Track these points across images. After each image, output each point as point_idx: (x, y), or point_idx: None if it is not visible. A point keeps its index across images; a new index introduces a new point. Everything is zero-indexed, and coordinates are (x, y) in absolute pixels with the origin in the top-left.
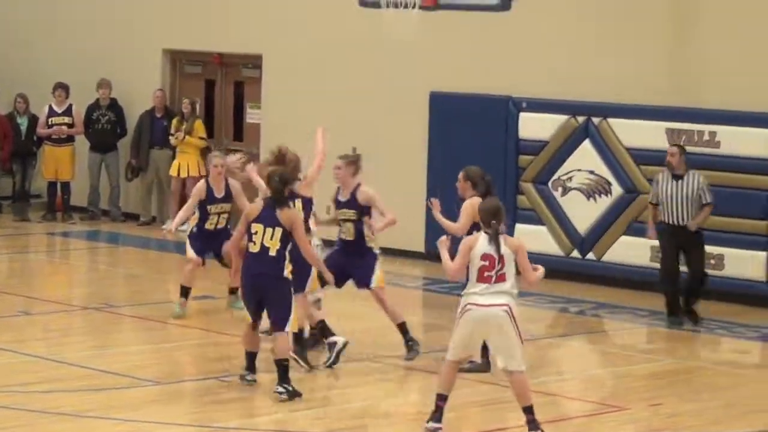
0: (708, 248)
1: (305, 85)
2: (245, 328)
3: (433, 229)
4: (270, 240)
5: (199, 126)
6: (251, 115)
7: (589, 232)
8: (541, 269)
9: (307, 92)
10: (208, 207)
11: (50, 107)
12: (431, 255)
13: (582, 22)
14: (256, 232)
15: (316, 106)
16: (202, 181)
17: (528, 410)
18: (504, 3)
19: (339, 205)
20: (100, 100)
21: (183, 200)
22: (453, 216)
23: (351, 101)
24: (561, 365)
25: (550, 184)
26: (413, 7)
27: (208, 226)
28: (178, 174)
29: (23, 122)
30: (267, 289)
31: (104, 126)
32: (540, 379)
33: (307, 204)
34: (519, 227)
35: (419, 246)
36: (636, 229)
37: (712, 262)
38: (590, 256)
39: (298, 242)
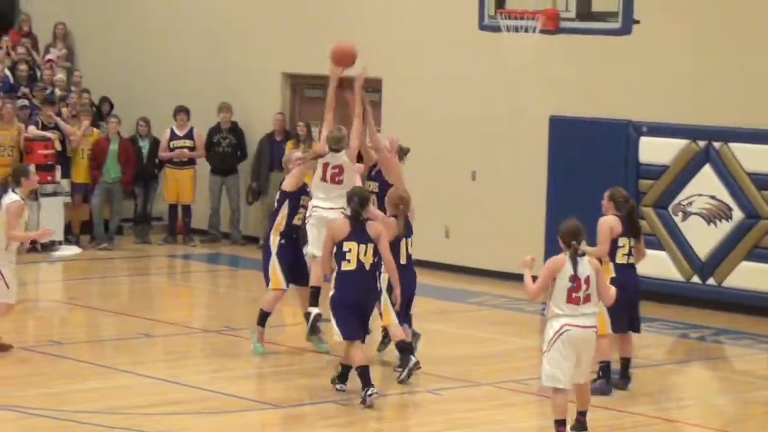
0: None
1: (425, 109)
2: (349, 346)
3: (552, 252)
4: (364, 256)
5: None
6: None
7: (710, 258)
8: (613, 289)
9: (427, 116)
10: (303, 198)
11: (172, 130)
12: None
13: (702, 45)
14: (349, 250)
15: (436, 130)
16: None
17: (584, 413)
18: (625, 27)
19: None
20: (221, 124)
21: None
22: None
23: (471, 125)
24: (682, 392)
25: (670, 208)
26: (533, 30)
27: (296, 221)
28: None
29: (145, 145)
30: (371, 303)
31: (225, 149)
32: (661, 405)
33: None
34: None
35: (538, 270)
36: (757, 255)
37: None
38: (711, 281)
39: (382, 254)
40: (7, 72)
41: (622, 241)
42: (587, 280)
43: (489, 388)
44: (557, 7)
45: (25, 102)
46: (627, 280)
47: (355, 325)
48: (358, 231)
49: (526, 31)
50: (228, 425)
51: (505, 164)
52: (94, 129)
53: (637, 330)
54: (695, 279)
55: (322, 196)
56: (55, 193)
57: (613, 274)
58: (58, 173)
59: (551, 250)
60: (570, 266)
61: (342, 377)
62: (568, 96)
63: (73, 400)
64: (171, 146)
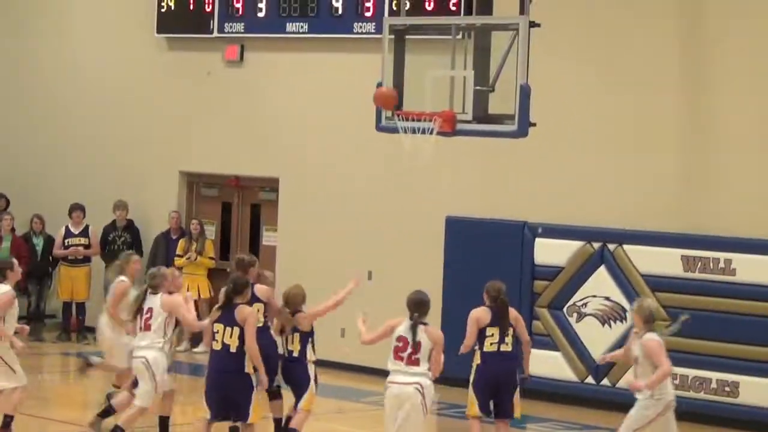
0: (724, 375)
1: (322, 209)
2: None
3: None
4: (230, 338)
5: (209, 246)
6: (268, 238)
7: None
8: (440, 365)
9: (324, 215)
10: None
11: (67, 228)
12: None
13: (598, 148)
14: (217, 331)
15: (333, 229)
16: None
17: None
18: (521, 129)
19: None
20: (117, 221)
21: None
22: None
23: (367, 224)
24: None
25: (565, 309)
26: (430, 132)
27: None
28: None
29: (39, 243)
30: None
31: (120, 247)
32: None
33: (305, 337)
34: (534, 352)
35: None
36: None
37: (727, 389)
38: (605, 381)
39: (246, 338)
40: None
41: (490, 331)
42: (417, 345)
43: None
44: (454, 109)
45: None
46: (495, 367)
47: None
48: (227, 313)
49: (423, 132)
50: None
51: (401, 264)
52: None
53: (509, 416)
54: (589, 379)
55: None
56: None
57: (478, 361)
58: None
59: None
60: (404, 328)
61: None
62: (464, 196)
63: None
64: (66, 244)
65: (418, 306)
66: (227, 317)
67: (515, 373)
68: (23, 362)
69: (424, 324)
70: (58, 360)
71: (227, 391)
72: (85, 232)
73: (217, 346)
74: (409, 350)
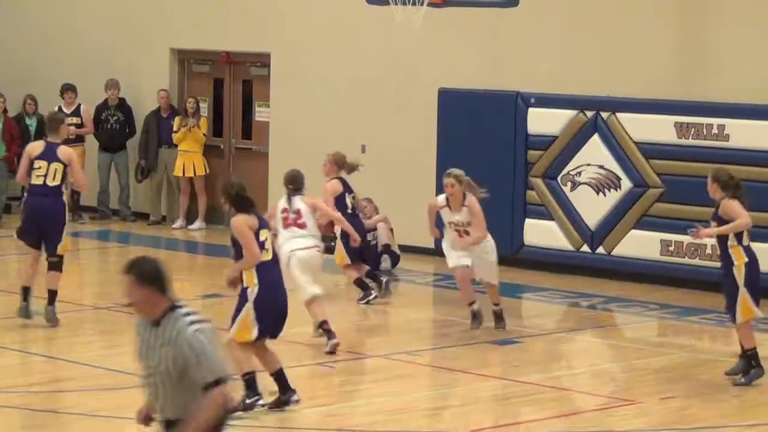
0: None
1: (313, 83)
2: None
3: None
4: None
5: (204, 123)
6: (260, 114)
7: (599, 227)
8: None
9: (316, 90)
10: None
11: (59, 108)
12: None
13: (589, 16)
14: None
15: (326, 103)
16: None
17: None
18: None
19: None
20: (109, 101)
21: (193, 198)
22: None
23: (359, 99)
24: (572, 359)
25: (559, 179)
26: (421, 3)
27: None
28: (183, 173)
29: (32, 123)
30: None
31: (113, 126)
32: (552, 373)
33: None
34: (528, 222)
35: (429, 242)
36: (646, 223)
37: None
38: (600, 250)
39: None
40: None
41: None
42: (297, 212)
43: (380, 360)
44: None
45: None
46: None
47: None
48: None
49: (414, 4)
50: (119, 402)
51: (394, 137)
52: None
53: None
54: (585, 248)
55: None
56: None
57: None
58: None
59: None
60: (283, 201)
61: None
62: (456, 68)
63: None
64: None
65: (291, 180)
66: None
67: None
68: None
69: (300, 194)
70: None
71: None
72: (77, 112)
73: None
74: (293, 216)
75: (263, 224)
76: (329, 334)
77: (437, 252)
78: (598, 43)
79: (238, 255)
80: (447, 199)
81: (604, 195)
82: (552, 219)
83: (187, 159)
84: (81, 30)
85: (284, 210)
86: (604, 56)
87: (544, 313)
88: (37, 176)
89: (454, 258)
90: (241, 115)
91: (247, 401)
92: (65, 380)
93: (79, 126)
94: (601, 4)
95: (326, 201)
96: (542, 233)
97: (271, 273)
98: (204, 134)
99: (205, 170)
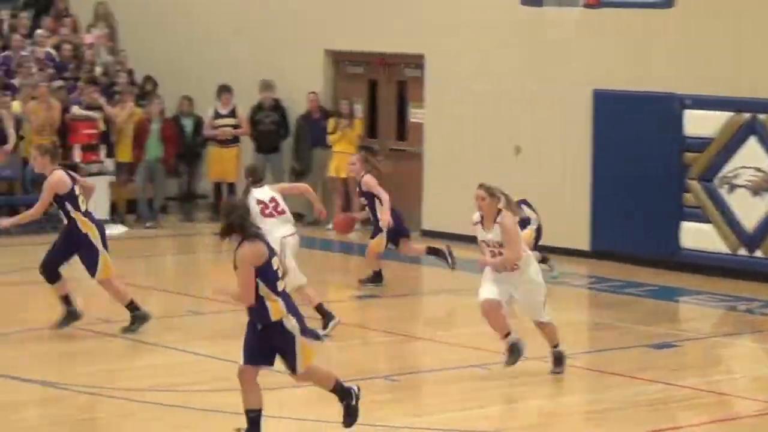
0: None
1: (468, 85)
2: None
3: (599, 227)
4: None
5: (358, 124)
6: (414, 115)
7: (756, 230)
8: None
9: (470, 91)
10: None
11: (215, 109)
12: (596, 253)
13: (744, 18)
14: None
15: (479, 105)
16: None
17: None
18: (667, 0)
19: None
20: (263, 102)
21: (347, 199)
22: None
23: (513, 100)
24: (730, 364)
25: (715, 181)
26: (575, 4)
27: None
28: (337, 174)
29: (188, 124)
30: None
31: (268, 127)
32: (709, 378)
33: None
34: (685, 225)
35: (584, 244)
36: None
37: None
38: (758, 253)
39: None
40: (53, 52)
41: None
42: (273, 199)
43: (535, 363)
44: None
45: (61, 83)
46: None
47: None
48: None
49: (568, 5)
50: (277, 401)
51: (548, 138)
52: (137, 108)
53: None
54: (742, 251)
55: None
56: (100, 173)
57: None
58: (102, 153)
59: (597, 224)
60: (259, 192)
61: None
62: (611, 70)
63: (122, 377)
64: (215, 125)
65: (250, 173)
66: None
67: None
68: (176, 242)
69: (261, 185)
70: (209, 240)
71: None
72: (233, 113)
73: None
74: (272, 205)
75: (272, 252)
76: (329, 315)
77: (592, 255)
78: (755, 44)
79: None
80: (481, 216)
81: (761, 197)
82: (709, 222)
83: (342, 160)
84: (236, 32)
85: (259, 201)
86: (761, 57)
87: (701, 316)
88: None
89: (483, 290)
90: (395, 117)
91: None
92: (222, 379)
93: (235, 127)
94: (758, 4)
95: (377, 189)
96: (699, 236)
97: (289, 298)
98: (359, 135)
99: None
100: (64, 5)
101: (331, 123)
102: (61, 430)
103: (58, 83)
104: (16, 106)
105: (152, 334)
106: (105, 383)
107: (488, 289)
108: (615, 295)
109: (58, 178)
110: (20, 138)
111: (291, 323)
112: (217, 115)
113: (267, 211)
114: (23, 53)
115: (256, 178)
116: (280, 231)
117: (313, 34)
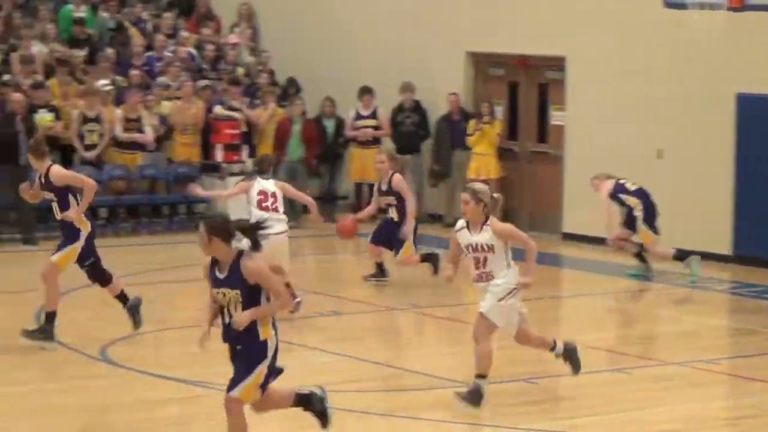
0: None
1: (609, 87)
2: None
3: (741, 232)
4: None
5: (498, 125)
6: (555, 117)
7: None
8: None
9: (612, 94)
10: None
11: (356, 110)
12: (739, 258)
13: None
14: None
15: (620, 107)
16: None
17: None
18: None
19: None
20: (404, 103)
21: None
22: None
23: (655, 103)
24: None
25: None
26: (720, 7)
27: None
28: (477, 175)
29: (330, 125)
30: None
31: (408, 128)
32: None
33: None
34: None
35: (726, 248)
36: None
37: None
38: None
39: None
40: (194, 51)
41: None
42: (274, 196)
43: (677, 368)
44: None
45: (206, 82)
46: None
47: None
48: None
49: (712, 8)
50: (415, 402)
51: (690, 141)
52: (278, 109)
53: None
54: None
55: None
56: (241, 173)
57: None
58: (244, 153)
59: (739, 228)
60: (259, 184)
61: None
62: (755, 73)
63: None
64: (356, 126)
65: (257, 162)
66: None
67: None
68: (317, 243)
69: (266, 177)
70: (350, 240)
71: None
72: (374, 115)
73: None
74: (271, 200)
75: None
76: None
77: (734, 259)
78: None
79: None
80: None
81: None
82: None
83: (482, 162)
84: (377, 33)
85: (261, 192)
86: None
87: None
88: None
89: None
90: (536, 119)
91: None
92: (361, 380)
93: (376, 128)
94: None
95: (406, 190)
96: None
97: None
98: (498, 134)
99: (500, 173)
100: (206, 6)
101: (471, 125)
102: (198, 428)
103: (203, 83)
104: (165, 106)
105: (292, 334)
106: None
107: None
108: (758, 300)
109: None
110: (164, 138)
111: (272, 347)
112: (359, 117)
113: (264, 204)
114: (165, 53)
115: (263, 168)
116: (272, 228)
117: (455, 36)
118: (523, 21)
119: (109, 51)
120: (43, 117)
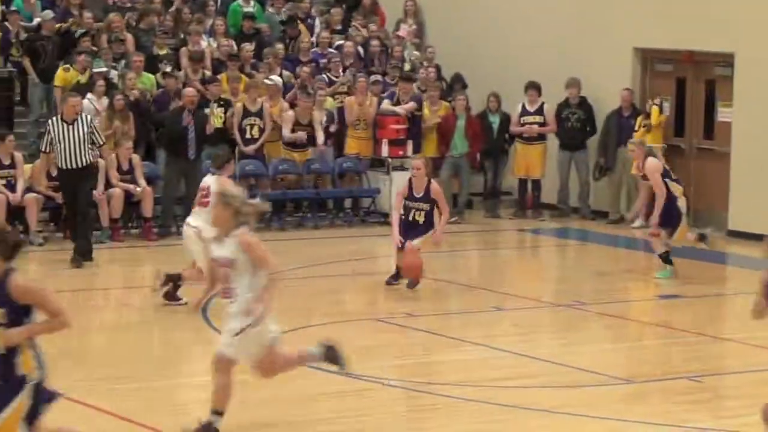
0: None
1: None
2: None
3: None
4: None
5: (662, 121)
6: (722, 114)
7: None
8: None
9: None
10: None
11: (523, 106)
12: None
13: None
14: None
15: None
16: None
17: None
18: None
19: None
20: (570, 99)
21: (650, 199)
22: None
23: None
24: None
25: None
26: None
27: None
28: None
29: (495, 121)
30: None
31: (574, 124)
32: None
33: None
34: None
35: None
36: None
37: None
38: None
39: None
40: (360, 48)
41: None
42: (207, 189)
43: None
44: None
45: (378, 77)
46: None
47: None
48: None
49: None
50: (580, 399)
51: None
52: (444, 103)
53: None
54: None
55: None
56: (403, 167)
57: None
58: (409, 148)
59: None
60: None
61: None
62: None
63: (425, 371)
64: (522, 122)
65: (213, 158)
66: None
67: None
68: (480, 238)
69: (218, 173)
70: (513, 236)
71: None
72: (540, 111)
73: None
74: (203, 194)
75: None
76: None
77: None
78: None
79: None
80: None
81: None
82: None
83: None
84: (543, 29)
85: (201, 189)
86: None
87: None
88: None
89: None
90: (703, 115)
91: None
92: (525, 376)
93: (542, 125)
94: None
95: (444, 200)
96: None
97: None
98: (662, 127)
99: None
100: (372, 1)
101: (637, 121)
102: (365, 423)
103: (375, 78)
104: (329, 102)
105: (455, 328)
106: (409, 376)
107: None
108: None
109: None
110: (334, 133)
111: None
112: (525, 112)
113: (196, 198)
114: (330, 49)
115: (216, 164)
116: (195, 221)
117: (622, 32)
118: (692, 17)
119: (278, 46)
120: (214, 111)
